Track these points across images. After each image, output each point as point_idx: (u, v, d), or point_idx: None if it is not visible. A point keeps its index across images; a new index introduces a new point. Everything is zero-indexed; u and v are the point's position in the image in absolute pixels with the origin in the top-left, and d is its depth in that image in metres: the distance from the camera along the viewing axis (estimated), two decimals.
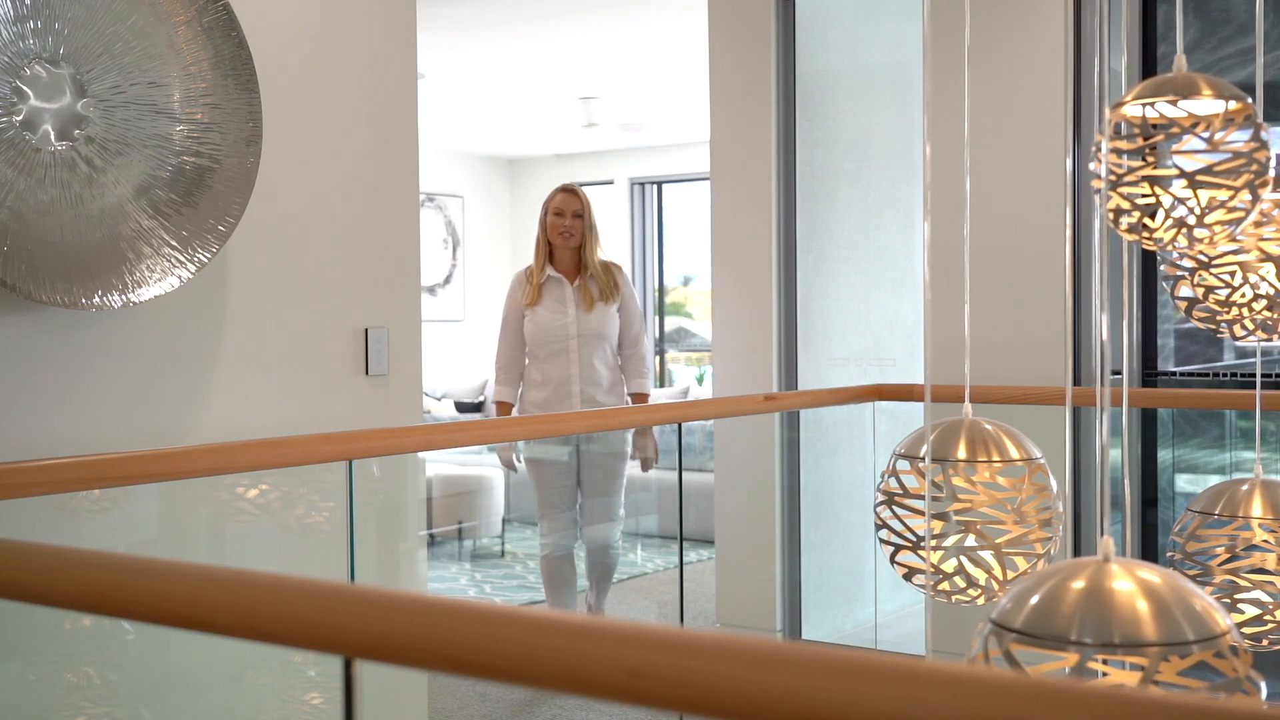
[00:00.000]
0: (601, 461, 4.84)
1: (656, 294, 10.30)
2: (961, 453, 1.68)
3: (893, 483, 1.77)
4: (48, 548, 1.30)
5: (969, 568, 1.68)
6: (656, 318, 10.30)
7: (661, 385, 10.13)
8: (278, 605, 1.10)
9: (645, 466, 4.97)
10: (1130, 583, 1.10)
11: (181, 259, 3.15)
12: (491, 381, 5.18)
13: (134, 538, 2.95)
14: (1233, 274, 1.98)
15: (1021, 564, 1.67)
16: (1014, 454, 1.69)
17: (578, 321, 4.71)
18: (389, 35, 3.63)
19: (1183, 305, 2.03)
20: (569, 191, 4.83)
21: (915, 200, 5.04)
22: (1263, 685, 1.08)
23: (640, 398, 4.79)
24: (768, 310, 4.97)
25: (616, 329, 4.79)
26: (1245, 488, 2.12)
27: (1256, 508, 2.08)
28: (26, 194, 2.89)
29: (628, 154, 10.26)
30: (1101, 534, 1.17)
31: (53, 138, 2.96)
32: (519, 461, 4.87)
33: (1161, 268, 2.07)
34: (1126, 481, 3.26)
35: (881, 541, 1.79)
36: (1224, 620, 1.08)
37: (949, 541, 1.68)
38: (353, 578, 2.61)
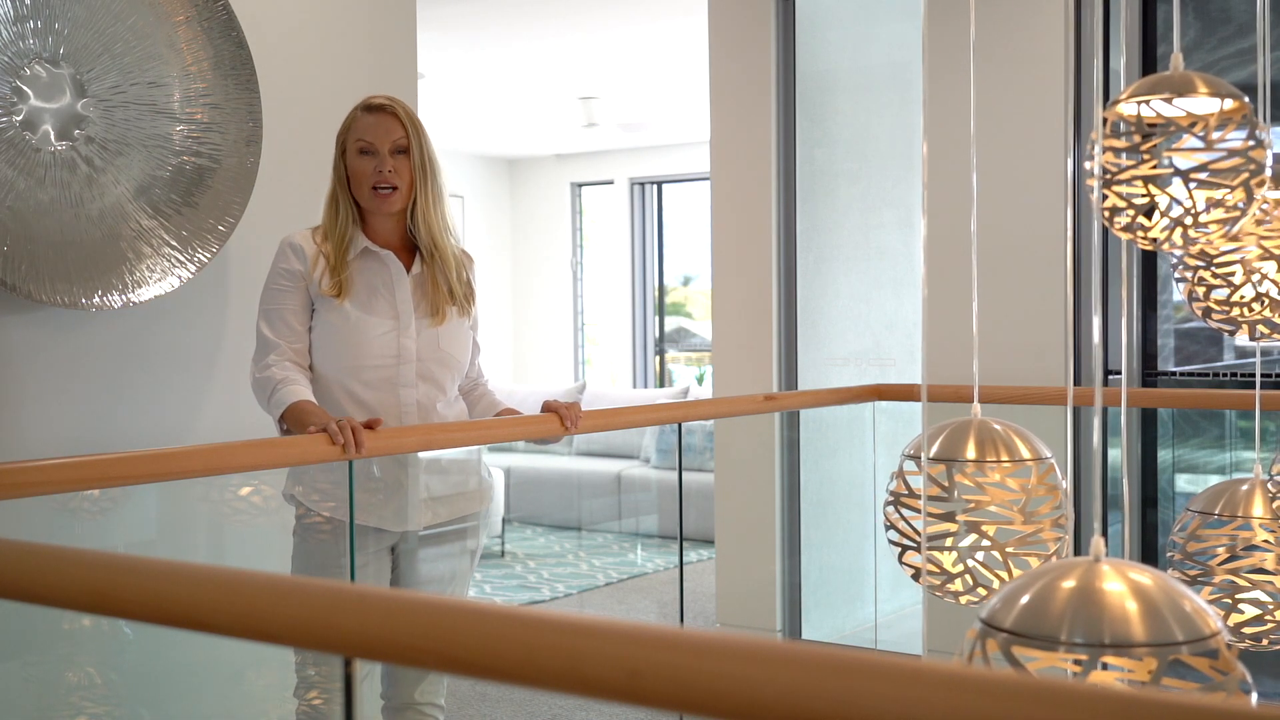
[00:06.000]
0: (430, 569, 2.92)
1: (656, 294, 10.30)
2: (971, 453, 1.68)
3: (904, 482, 1.77)
4: (48, 548, 1.30)
5: (980, 570, 1.68)
6: (656, 318, 10.30)
7: (661, 385, 10.13)
8: (278, 605, 1.10)
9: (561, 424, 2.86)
10: (1120, 583, 1.10)
11: (181, 259, 3.15)
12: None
13: (134, 538, 2.95)
14: (1232, 273, 1.98)
15: (1034, 563, 1.67)
16: (1024, 454, 1.69)
17: (419, 340, 2.71)
18: (389, 35, 3.63)
19: (1198, 307, 2.03)
20: (382, 110, 2.68)
21: (915, 200, 5.04)
22: (1252, 684, 1.08)
23: (512, 411, 2.92)
24: (768, 310, 4.97)
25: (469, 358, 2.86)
26: (1245, 488, 2.13)
27: (1257, 508, 2.09)
28: (26, 194, 2.89)
29: (628, 154, 10.26)
30: (1104, 534, 1.17)
31: (53, 138, 2.96)
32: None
33: (1174, 271, 2.07)
34: (1126, 481, 3.27)
35: (891, 543, 1.79)
36: (1214, 621, 1.09)
37: (965, 543, 1.68)
38: (353, 577, 2.61)
